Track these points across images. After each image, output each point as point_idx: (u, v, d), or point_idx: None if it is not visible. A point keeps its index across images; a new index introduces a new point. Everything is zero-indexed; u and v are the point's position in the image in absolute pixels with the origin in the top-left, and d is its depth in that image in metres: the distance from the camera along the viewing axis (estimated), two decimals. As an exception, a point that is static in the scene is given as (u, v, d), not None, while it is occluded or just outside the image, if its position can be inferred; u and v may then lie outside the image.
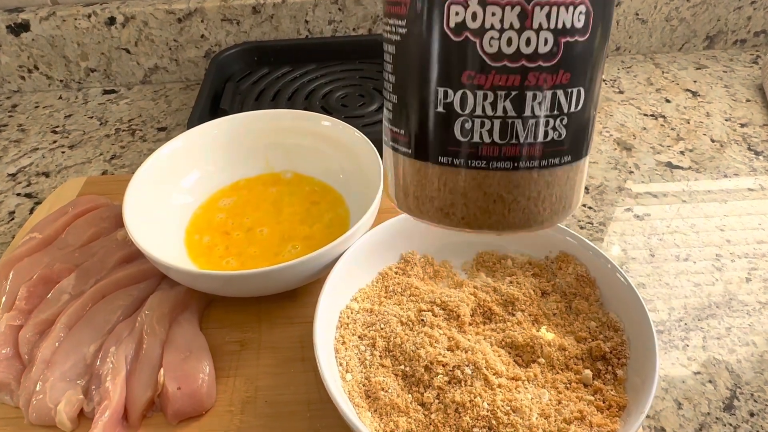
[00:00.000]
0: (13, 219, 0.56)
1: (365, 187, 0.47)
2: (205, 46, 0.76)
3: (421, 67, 0.22)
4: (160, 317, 0.41)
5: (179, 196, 0.50)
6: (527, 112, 0.21)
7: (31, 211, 0.57)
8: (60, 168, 0.63)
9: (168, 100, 0.75)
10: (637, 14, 0.78)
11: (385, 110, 0.25)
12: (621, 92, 0.73)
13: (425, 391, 0.35)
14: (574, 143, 0.23)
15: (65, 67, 0.76)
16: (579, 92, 0.22)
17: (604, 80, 0.76)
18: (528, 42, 0.20)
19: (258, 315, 0.44)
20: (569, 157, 0.23)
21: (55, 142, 0.68)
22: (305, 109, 0.63)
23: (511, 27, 0.20)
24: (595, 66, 0.22)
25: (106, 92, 0.77)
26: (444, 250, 0.46)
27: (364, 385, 0.36)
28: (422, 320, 0.39)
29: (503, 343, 0.38)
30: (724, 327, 0.44)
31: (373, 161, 0.47)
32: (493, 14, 0.20)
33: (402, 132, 0.24)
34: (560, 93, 0.22)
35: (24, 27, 0.72)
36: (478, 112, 0.21)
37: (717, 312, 0.45)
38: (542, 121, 0.22)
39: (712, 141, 0.64)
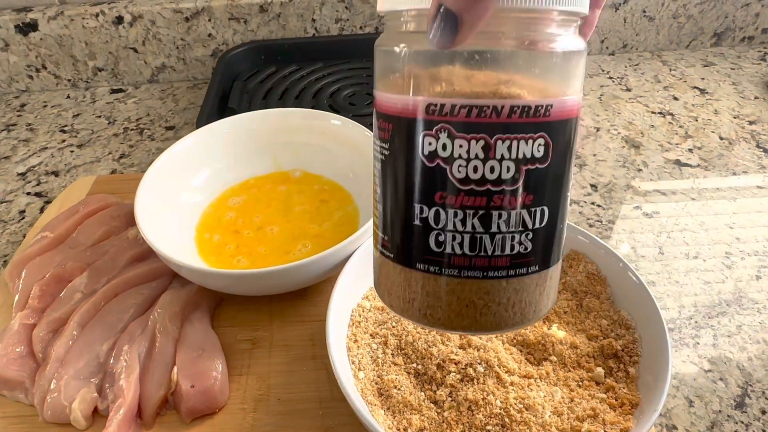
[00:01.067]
0: (23, 218, 0.57)
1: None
2: (212, 44, 0.76)
3: (401, 185, 0.25)
4: (173, 316, 0.41)
5: (189, 194, 0.50)
6: (494, 229, 0.24)
7: (41, 210, 0.57)
8: (69, 167, 0.63)
9: (176, 98, 0.75)
10: (645, 11, 0.78)
11: (373, 216, 0.28)
12: (628, 90, 0.73)
13: (438, 389, 0.35)
14: (540, 254, 0.25)
15: (73, 66, 0.76)
16: (543, 210, 0.24)
17: (611, 78, 0.76)
18: (492, 170, 0.23)
19: (269, 313, 0.44)
20: (537, 267, 0.25)
21: (63, 141, 0.68)
22: (313, 107, 0.64)
23: (477, 157, 0.23)
24: (557, 187, 0.24)
25: (113, 91, 0.78)
26: (454, 248, 0.46)
27: (376, 383, 0.36)
28: (433, 318, 0.39)
29: (515, 341, 0.38)
30: (734, 325, 0.44)
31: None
32: (461, 146, 0.23)
33: (386, 238, 0.26)
34: (524, 212, 0.24)
35: (32, 26, 0.73)
36: (450, 227, 0.24)
37: (727, 310, 0.45)
38: (508, 236, 0.24)
39: (721, 138, 0.64)
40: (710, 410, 0.38)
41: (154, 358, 0.39)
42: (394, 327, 0.39)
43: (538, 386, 0.35)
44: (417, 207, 0.24)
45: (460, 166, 0.23)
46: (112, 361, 0.39)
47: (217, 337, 0.41)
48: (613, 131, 0.65)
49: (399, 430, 0.34)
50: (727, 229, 0.52)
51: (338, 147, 0.52)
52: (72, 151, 0.66)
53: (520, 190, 0.23)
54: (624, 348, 0.37)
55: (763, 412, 0.38)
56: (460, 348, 0.37)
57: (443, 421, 0.34)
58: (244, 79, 0.71)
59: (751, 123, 0.66)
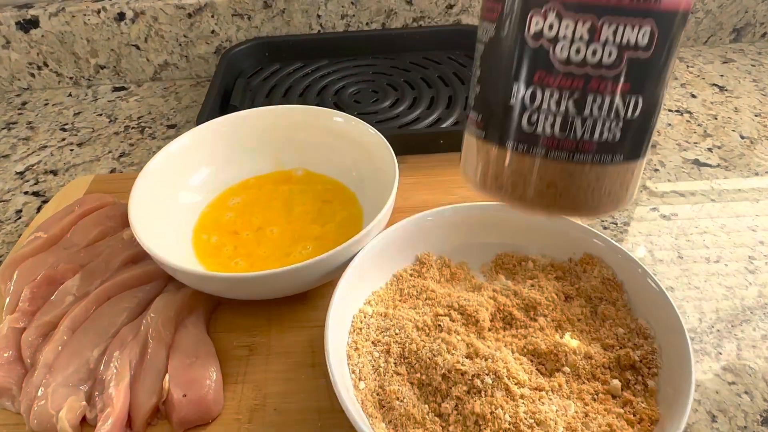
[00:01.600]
0: (20, 218, 0.55)
1: (379, 185, 0.45)
2: (215, 41, 0.75)
3: (502, 65, 0.25)
4: (166, 321, 0.39)
5: (187, 194, 0.48)
6: (586, 113, 0.24)
7: (39, 210, 0.56)
8: (68, 166, 0.62)
9: (178, 96, 0.74)
10: (661, 6, 0.75)
11: (469, 99, 0.29)
12: (644, 87, 0.70)
13: (443, 402, 0.33)
14: (628, 145, 0.25)
15: (75, 63, 0.75)
16: (637, 101, 0.24)
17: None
18: (594, 53, 0.23)
19: (268, 318, 0.42)
20: (621, 156, 0.25)
21: (63, 139, 0.67)
22: (317, 105, 0.62)
23: (581, 39, 0.23)
24: (657, 79, 0.24)
25: (115, 89, 0.76)
26: (461, 251, 0.44)
27: (377, 394, 0.34)
28: (439, 325, 0.37)
29: (525, 350, 0.36)
30: (759, 334, 0.41)
31: (387, 158, 0.45)
32: (567, 26, 0.23)
33: (479, 118, 0.28)
34: (618, 100, 0.24)
35: (33, 23, 0.71)
36: (544, 107, 0.25)
37: (752, 317, 0.42)
38: (600, 122, 0.24)
39: (742, 137, 0.61)
40: (734, 425, 0.36)
41: (145, 365, 0.37)
42: (396, 334, 0.37)
43: (550, 399, 0.33)
44: (515, 86, 0.25)
45: (563, 47, 0.23)
46: (102, 368, 0.37)
47: (212, 343, 0.39)
48: (628, 130, 0.63)
49: (401, 445, 0.32)
50: (749, 231, 0.49)
51: (341, 145, 0.50)
52: (72, 150, 0.65)
53: (619, 77, 0.24)
54: (642, 359, 0.34)
55: (792, 429, 0.35)
56: (467, 357, 0.35)
57: (448, 436, 0.31)
58: (248, 77, 0.69)
59: (773, 121, 0.63)
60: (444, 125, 0.59)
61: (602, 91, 0.24)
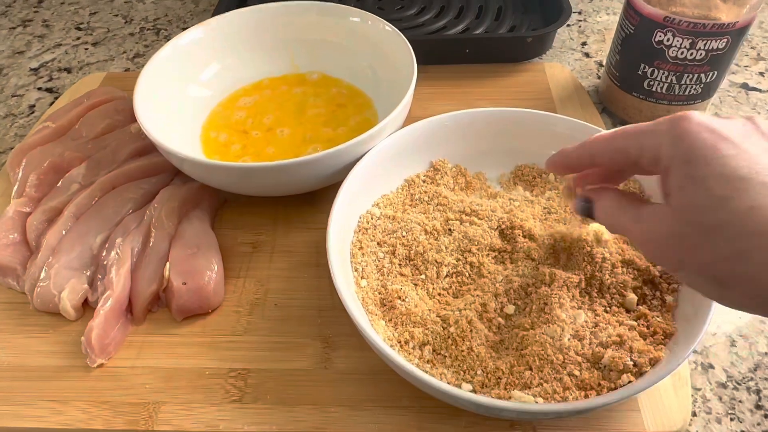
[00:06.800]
0: (33, 113, 0.55)
1: (396, 89, 0.42)
2: (235, -59, 0.70)
3: (637, 51, 0.44)
4: (170, 211, 0.38)
5: (197, 88, 0.47)
6: (683, 82, 0.43)
7: (51, 105, 0.55)
8: (82, 65, 0.61)
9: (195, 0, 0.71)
10: None
11: (609, 57, 0.48)
12: (695, 6, 0.64)
13: (440, 278, 0.32)
14: (704, 96, 0.45)
15: (91, -39, 0.72)
16: (714, 73, 0.43)
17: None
18: (691, 54, 0.41)
19: (274, 217, 0.41)
20: (700, 100, 0.45)
21: (78, 38, 0.65)
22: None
23: (684, 47, 0.41)
24: (726, 63, 0.42)
25: (133, -10, 0.73)
26: (479, 160, 0.41)
27: (379, 293, 0.33)
28: (449, 230, 0.35)
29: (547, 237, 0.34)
30: (793, 263, 0.38)
31: (404, 56, 0.42)
32: (678, 41, 0.40)
33: (617, 75, 0.47)
34: (702, 74, 0.42)
35: None
36: (658, 79, 0.44)
37: (787, 246, 0.39)
38: (690, 86, 0.43)
39: (799, 62, 0.55)
40: (755, 351, 0.34)
41: (147, 253, 0.36)
42: (404, 237, 0.35)
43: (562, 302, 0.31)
44: (642, 65, 0.43)
45: (673, 49, 0.41)
46: (104, 254, 0.37)
47: (216, 238, 0.38)
48: (672, 50, 0.58)
49: (400, 342, 0.31)
50: (795, 160, 0.45)
51: (357, 45, 0.47)
52: (86, 49, 0.63)
53: (703, 64, 0.41)
54: (662, 273, 0.32)
55: (817, 358, 0.33)
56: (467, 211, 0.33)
57: (448, 337, 0.30)
58: (268, -21, 0.65)
59: (837, 47, 0.57)
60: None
61: (693, 72, 0.42)
